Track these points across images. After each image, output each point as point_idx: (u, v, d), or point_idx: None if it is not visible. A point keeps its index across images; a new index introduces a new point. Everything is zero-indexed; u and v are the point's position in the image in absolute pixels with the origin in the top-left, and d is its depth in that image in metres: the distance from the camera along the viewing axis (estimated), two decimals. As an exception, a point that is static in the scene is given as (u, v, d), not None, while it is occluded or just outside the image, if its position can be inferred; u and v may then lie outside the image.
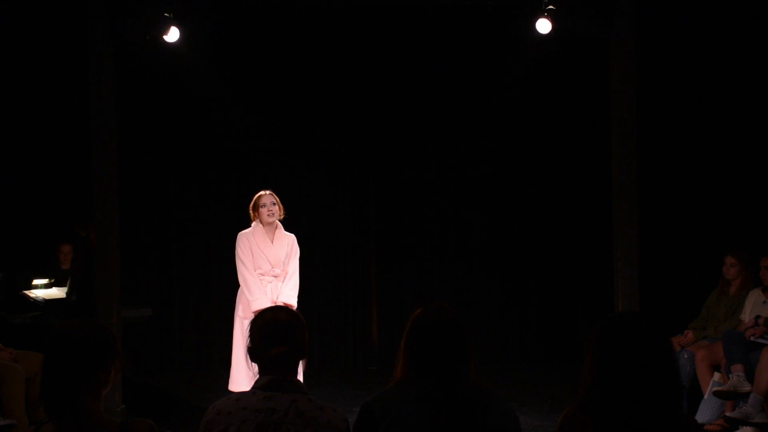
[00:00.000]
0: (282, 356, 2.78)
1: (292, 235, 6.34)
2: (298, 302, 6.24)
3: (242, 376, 5.91)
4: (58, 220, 8.11)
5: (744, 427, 5.76)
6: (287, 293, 6.18)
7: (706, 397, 6.14)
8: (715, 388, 6.00)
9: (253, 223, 6.28)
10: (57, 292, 7.56)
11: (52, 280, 7.69)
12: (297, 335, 2.83)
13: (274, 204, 6.23)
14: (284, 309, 2.94)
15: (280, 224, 6.30)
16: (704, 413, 6.09)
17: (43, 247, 8.02)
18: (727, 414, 5.89)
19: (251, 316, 2.99)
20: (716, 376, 6.15)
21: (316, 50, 8.37)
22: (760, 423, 5.73)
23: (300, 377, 4.21)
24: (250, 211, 6.30)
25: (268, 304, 5.80)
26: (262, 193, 6.27)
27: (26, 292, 7.46)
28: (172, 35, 6.40)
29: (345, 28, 8.24)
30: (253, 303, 5.97)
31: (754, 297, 6.36)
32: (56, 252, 7.90)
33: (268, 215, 6.19)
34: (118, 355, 2.64)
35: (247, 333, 2.90)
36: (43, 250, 8.02)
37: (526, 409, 6.59)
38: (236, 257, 6.20)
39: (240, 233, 6.27)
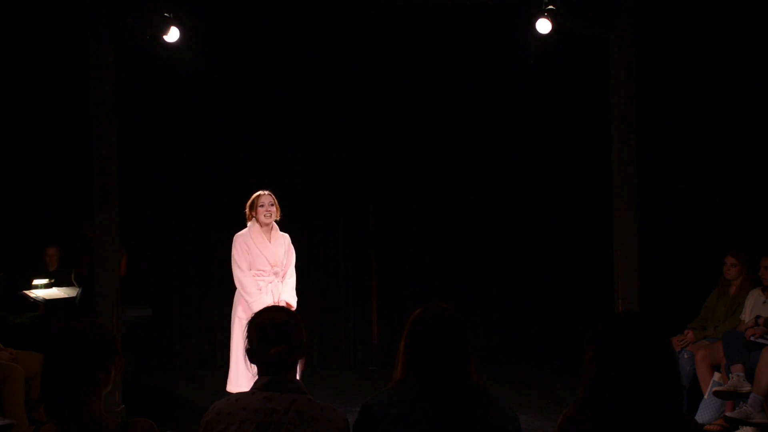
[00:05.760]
0: (281, 355, 2.78)
1: (287, 234, 6.33)
2: (298, 302, 6.26)
3: (241, 377, 5.90)
4: (58, 220, 8.12)
5: (744, 427, 5.76)
6: (288, 293, 6.20)
7: (706, 397, 6.14)
8: (715, 388, 6.00)
9: (249, 224, 6.24)
10: (57, 292, 7.57)
11: (52, 280, 7.70)
12: (294, 334, 2.83)
13: (272, 205, 6.20)
14: (281, 308, 2.94)
15: (275, 224, 6.29)
16: (704, 413, 6.09)
17: (44, 247, 8.03)
18: (727, 414, 5.89)
19: (251, 316, 2.98)
20: (716, 376, 6.15)
21: (316, 50, 8.36)
22: (760, 423, 5.73)
23: (298, 377, 4.21)
24: (246, 210, 6.26)
25: (269, 302, 5.80)
26: (260, 193, 6.23)
27: (26, 292, 7.47)
28: (172, 35, 6.40)
29: (345, 28, 8.24)
30: (253, 304, 5.96)
31: (754, 297, 6.36)
32: (42, 255, 7.91)
33: (265, 216, 6.16)
34: (118, 355, 2.64)
35: (245, 334, 2.90)
36: (44, 251, 8.03)
37: (526, 409, 6.59)
38: (232, 259, 6.19)
39: (236, 235, 6.24)
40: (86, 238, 7.59)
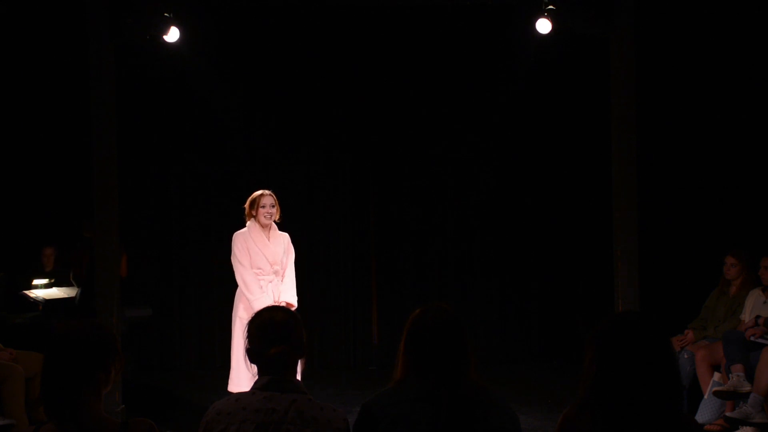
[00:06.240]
0: (281, 355, 2.78)
1: (286, 234, 6.31)
2: (298, 301, 6.25)
3: (242, 376, 5.89)
4: (56, 220, 8.12)
5: (744, 427, 5.76)
6: (288, 293, 6.19)
7: (706, 397, 6.14)
8: (715, 388, 6.00)
9: (249, 223, 6.20)
10: (57, 292, 7.57)
11: (52, 280, 7.70)
12: (294, 334, 2.83)
13: (273, 206, 6.17)
14: (281, 308, 2.95)
15: (273, 223, 6.27)
16: (704, 413, 6.09)
17: (41, 247, 8.03)
18: (727, 414, 5.89)
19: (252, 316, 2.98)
20: (716, 376, 6.15)
21: (316, 50, 8.37)
22: (760, 423, 5.73)
23: (298, 377, 4.19)
24: (246, 208, 6.21)
25: (270, 302, 5.79)
26: (262, 192, 6.19)
27: (26, 292, 7.47)
28: (172, 35, 6.40)
29: (345, 28, 8.24)
30: (255, 302, 5.94)
31: (754, 297, 6.36)
32: (39, 255, 7.91)
33: (266, 217, 6.14)
34: (118, 355, 2.64)
35: (245, 333, 2.90)
36: (41, 251, 8.04)
37: (526, 409, 6.58)
38: (233, 257, 6.16)
39: (236, 233, 6.21)
40: (85, 238, 7.60)
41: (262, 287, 6.10)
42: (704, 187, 8.01)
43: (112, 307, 6.23)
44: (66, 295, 7.56)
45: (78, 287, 7.59)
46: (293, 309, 6.10)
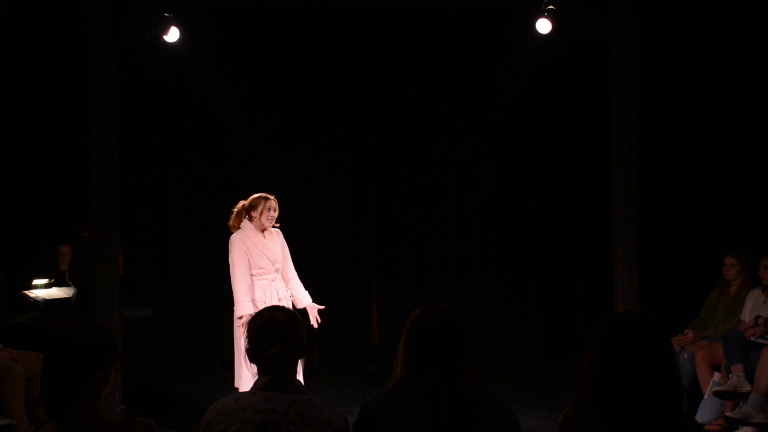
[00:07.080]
0: (281, 355, 2.78)
1: (278, 229, 6.25)
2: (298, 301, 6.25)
3: (247, 375, 5.88)
4: (59, 220, 8.12)
5: (744, 427, 5.76)
6: (305, 294, 6.27)
7: (706, 397, 6.14)
8: (715, 388, 6.00)
9: (245, 224, 6.08)
10: (57, 292, 7.57)
11: (52, 280, 7.70)
12: (294, 334, 2.84)
13: (276, 210, 6.16)
14: (281, 308, 2.95)
15: None
16: (704, 413, 6.09)
17: (44, 247, 8.03)
18: (727, 414, 5.89)
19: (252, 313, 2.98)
20: (716, 376, 6.15)
21: (316, 50, 8.37)
22: (760, 423, 5.73)
23: (300, 377, 4.19)
24: (241, 211, 6.09)
25: (251, 311, 5.78)
26: (267, 197, 6.07)
27: (26, 292, 7.47)
28: (172, 35, 6.39)
29: (345, 28, 8.24)
30: (238, 307, 5.95)
31: (754, 297, 6.36)
32: (55, 252, 7.92)
33: (269, 221, 6.10)
34: (118, 355, 2.64)
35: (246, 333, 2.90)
36: (44, 250, 8.04)
37: (526, 409, 6.58)
38: (230, 260, 6.07)
39: (233, 237, 6.07)
40: (83, 238, 7.60)
41: (264, 290, 6.06)
42: (704, 187, 8.01)
43: (112, 307, 6.23)
44: (66, 295, 7.57)
45: (75, 287, 7.59)
46: (323, 309, 6.32)
